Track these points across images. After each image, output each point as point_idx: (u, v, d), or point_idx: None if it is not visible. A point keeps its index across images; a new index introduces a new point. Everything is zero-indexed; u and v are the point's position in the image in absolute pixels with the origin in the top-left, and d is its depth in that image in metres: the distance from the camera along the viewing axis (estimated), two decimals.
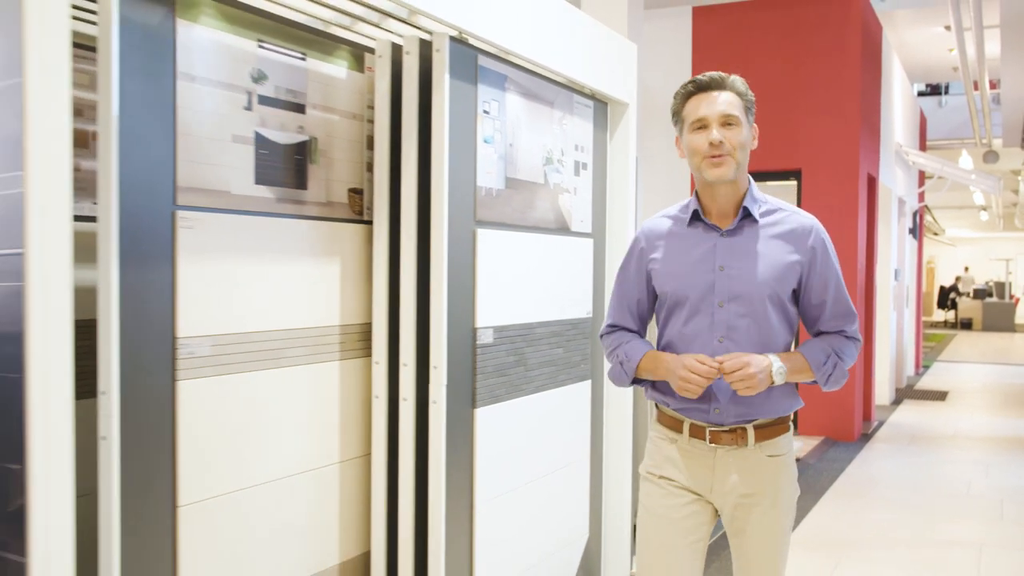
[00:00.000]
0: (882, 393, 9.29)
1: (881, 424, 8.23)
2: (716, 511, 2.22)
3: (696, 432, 2.18)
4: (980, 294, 24.35)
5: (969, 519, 5.08)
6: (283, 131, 2.35)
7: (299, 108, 2.41)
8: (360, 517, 2.65)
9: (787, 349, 2.19)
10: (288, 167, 2.37)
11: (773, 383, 2.09)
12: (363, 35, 2.67)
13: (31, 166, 1.38)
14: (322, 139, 2.48)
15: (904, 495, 5.62)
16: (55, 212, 1.42)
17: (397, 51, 2.60)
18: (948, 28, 9.34)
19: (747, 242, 2.17)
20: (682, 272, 2.19)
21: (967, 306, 23.80)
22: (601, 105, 3.47)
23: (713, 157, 2.11)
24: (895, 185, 9.84)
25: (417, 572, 2.59)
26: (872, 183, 8.29)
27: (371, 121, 2.65)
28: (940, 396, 10.14)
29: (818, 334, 2.24)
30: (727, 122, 2.12)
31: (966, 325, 23.28)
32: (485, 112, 2.70)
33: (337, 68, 2.55)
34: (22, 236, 1.39)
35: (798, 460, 6.51)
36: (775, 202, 2.24)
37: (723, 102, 2.12)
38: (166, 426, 2.02)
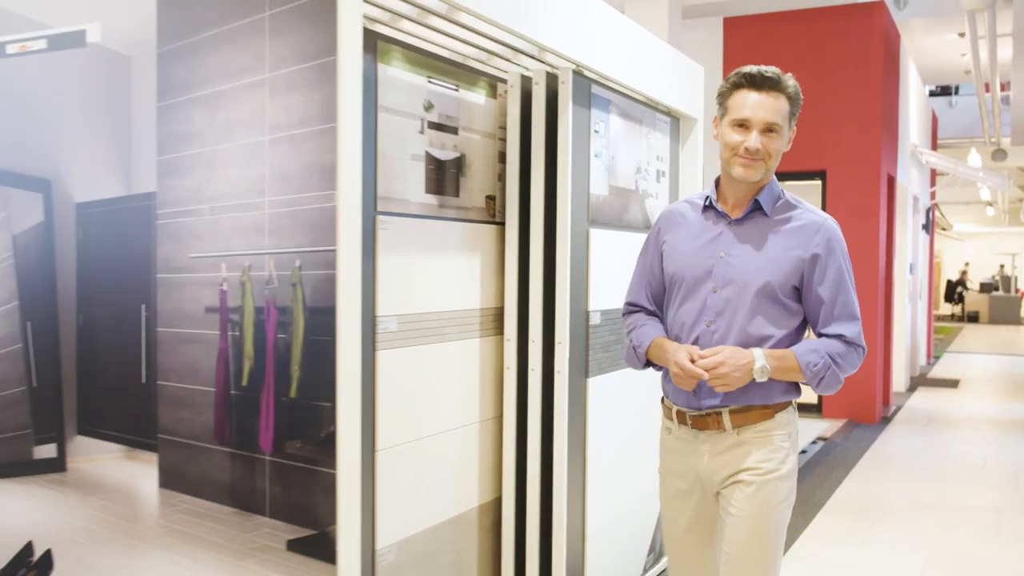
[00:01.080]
0: (898, 380, 9.83)
1: (899, 408, 8.77)
2: (713, 500, 2.25)
3: (681, 418, 2.23)
4: (986, 288, 24.84)
5: (986, 488, 5.62)
6: (443, 149, 2.89)
7: (454, 130, 2.94)
8: (493, 468, 3.18)
9: (784, 345, 2.17)
10: (447, 179, 2.91)
11: (754, 380, 2.10)
12: (496, 68, 3.20)
13: (341, 187, 1.92)
14: (468, 155, 3.02)
15: (925, 468, 6.16)
16: (352, 220, 1.96)
17: (524, 81, 3.13)
18: (962, 35, 9.85)
19: (753, 233, 2.16)
20: (686, 255, 2.21)
21: (974, 300, 24.29)
22: (675, 120, 4.00)
23: (746, 158, 2.09)
24: (910, 183, 10.36)
25: (542, 514, 3.13)
26: (891, 182, 8.81)
27: (502, 139, 3.18)
28: (952, 384, 10.68)
29: (819, 335, 2.21)
30: (769, 129, 2.09)
31: (973, 318, 23.78)
32: (596, 131, 3.23)
33: (478, 96, 3.08)
34: (335, 237, 1.93)
35: (824, 441, 7.05)
36: (794, 200, 2.23)
37: (770, 108, 2.08)
38: (369, 388, 2.56)
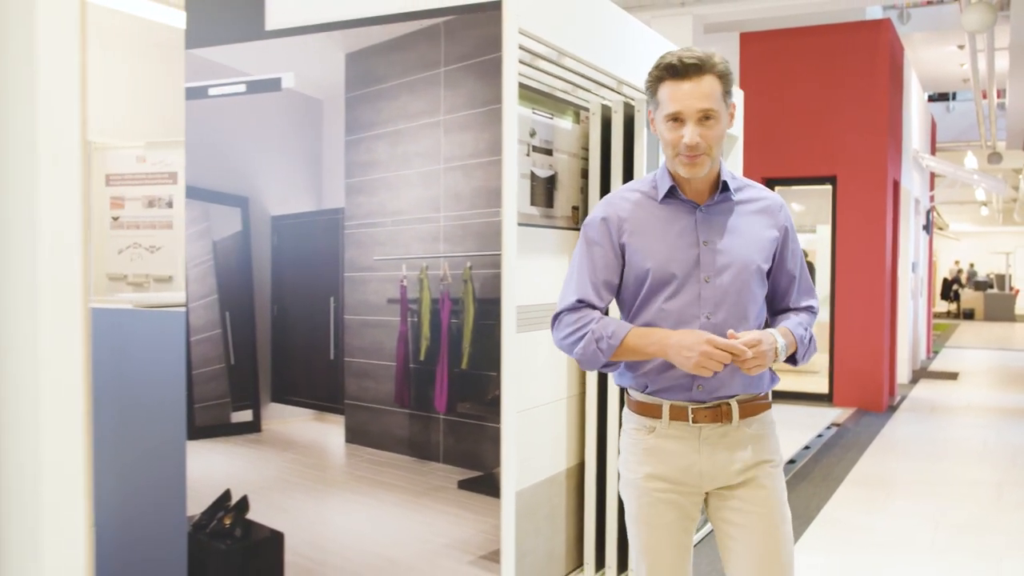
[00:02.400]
0: (902, 372, 10.42)
1: (903, 398, 9.37)
2: (701, 502, 2.14)
3: (677, 414, 2.06)
4: (981, 286, 25.50)
5: (987, 466, 6.21)
6: (542, 169, 3.46)
7: (549, 152, 3.51)
8: (578, 438, 3.75)
9: (763, 325, 2.16)
10: (544, 193, 3.48)
11: (777, 359, 2.05)
12: (579, 98, 3.76)
13: (505, 206, 2.49)
14: (559, 173, 3.59)
15: (931, 450, 6.75)
16: (511, 231, 2.53)
17: (604, 109, 3.70)
18: (961, 47, 10.46)
19: (726, 217, 2.08)
20: (663, 248, 2.07)
21: (969, 297, 24.93)
22: None
23: (688, 156, 1.98)
24: (912, 187, 10.96)
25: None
26: (896, 187, 9.41)
27: (583, 158, 3.75)
28: (952, 376, 11.29)
29: (783, 311, 2.21)
30: (704, 117, 1.96)
31: (968, 315, 24.42)
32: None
33: (566, 122, 3.65)
34: (498, 244, 2.50)
35: (837, 427, 7.64)
36: (743, 180, 2.18)
37: (700, 95, 1.95)
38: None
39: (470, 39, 2.52)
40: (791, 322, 2.14)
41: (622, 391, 2.37)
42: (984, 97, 11.94)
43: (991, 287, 25.64)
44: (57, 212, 1.34)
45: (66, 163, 1.33)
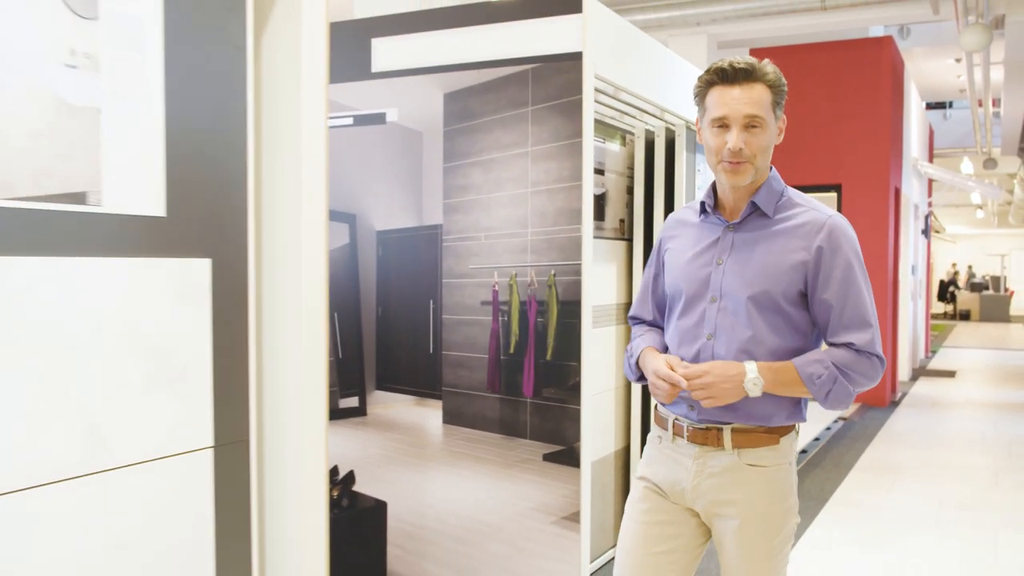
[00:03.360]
0: (903, 371, 10.93)
1: (904, 395, 9.87)
2: (694, 521, 2.08)
3: (678, 430, 2.05)
4: (977, 287, 26.04)
5: (985, 454, 6.71)
6: (596, 187, 3.95)
7: (601, 172, 4.00)
8: (623, 424, 4.24)
9: (789, 355, 1.99)
10: (597, 209, 3.97)
11: (746, 394, 1.93)
12: (624, 124, 4.25)
13: (584, 223, 2.98)
14: (609, 190, 4.08)
15: (932, 440, 7.25)
16: (589, 244, 3.02)
17: (648, 133, 4.19)
18: (958, 61, 10.97)
19: (752, 237, 2.00)
20: (683, 264, 2.07)
21: (965, 299, 25.47)
22: None
23: (730, 163, 1.93)
24: (912, 193, 11.46)
25: None
26: (897, 194, 9.91)
27: (629, 177, 4.24)
28: (950, 374, 11.81)
29: (829, 345, 2.01)
30: (751, 124, 1.91)
31: (964, 316, 24.95)
32: (698, 171, 4.30)
33: (614, 145, 4.14)
34: (578, 254, 2.98)
35: (844, 420, 8.14)
36: (798, 197, 2.05)
37: (748, 101, 1.90)
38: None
39: (554, 83, 3.01)
40: (806, 358, 1.97)
41: None
42: (980, 106, 12.47)
43: (986, 289, 26.18)
44: (313, 250, 1.82)
45: (318, 221, 1.82)
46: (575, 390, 3.02)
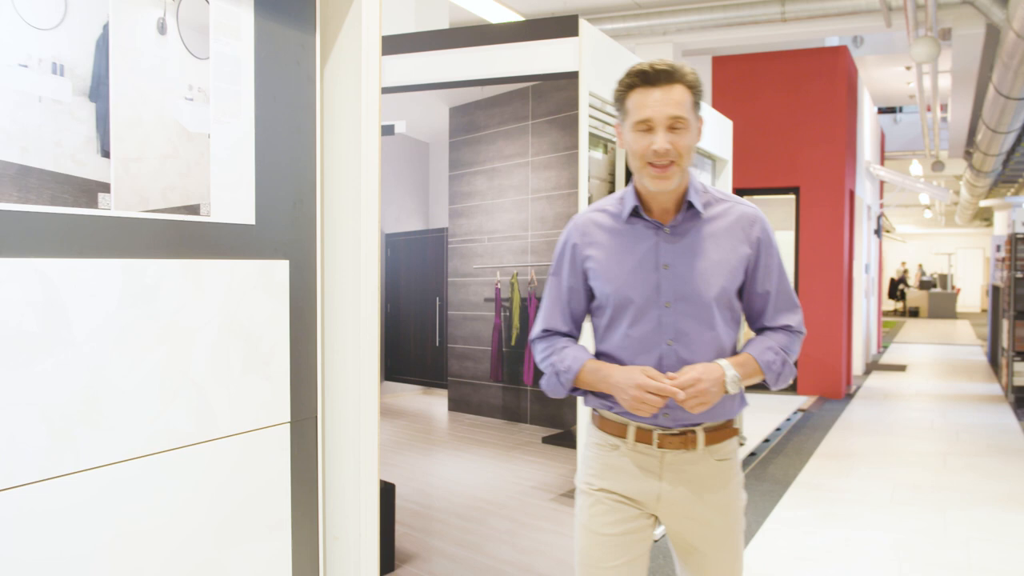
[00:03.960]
0: (857, 365, 11.42)
1: (859, 387, 10.35)
2: (655, 522, 2.07)
3: (643, 436, 1.99)
4: (925, 285, 26.88)
5: (934, 440, 7.16)
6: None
7: (587, 179, 4.30)
8: None
9: (734, 349, 2.05)
10: None
11: (727, 392, 1.95)
12: (607, 133, 4.56)
13: None
14: (593, 195, 4.38)
15: (885, 428, 7.69)
16: None
17: None
18: (908, 68, 11.48)
19: (691, 238, 1.99)
20: (623, 272, 2.00)
21: (915, 296, 26.29)
22: (713, 161, 5.42)
23: (656, 167, 1.90)
24: (865, 195, 11.97)
25: None
26: (851, 196, 10.38)
27: (611, 182, 4.56)
28: (901, 368, 12.35)
29: (761, 330, 2.08)
30: (674, 125, 1.90)
31: (914, 313, 25.76)
32: None
33: (597, 153, 4.45)
34: None
35: (803, 412, 8.56)
36: (716, 192, 2.07)
37: (670, 102, 1.89)
38: None
39: (553, 99, 3.31)
40: (758, 347, 2.03)
41: None
42: (928, 111, 13.02)
43: (935, 286, 27.04)
44: (368, 252, 2.10)
45: (372, 227, 2.10)
46: None
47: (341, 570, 2.07)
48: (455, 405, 3.52)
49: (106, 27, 1.52)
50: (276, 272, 1.89)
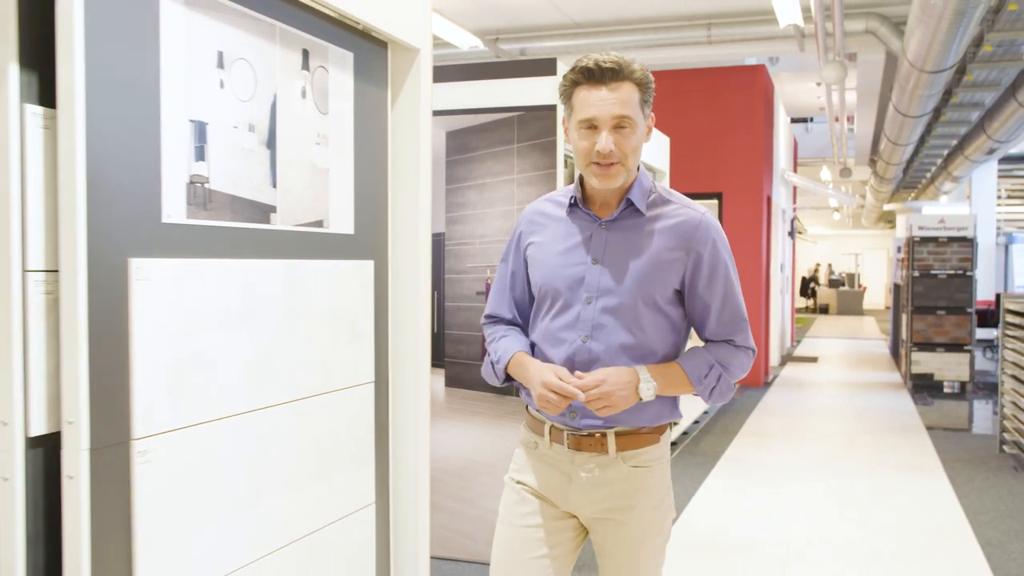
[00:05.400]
0: (773, 357, 12.40)
1: (776, 377, 11.32)
2: (575, 526, 2.02)
3: (556, 436, 1.96)
4: (835, 283, 28.43)
5: (842, 422, 8.09)
6: None
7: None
8: None
9: (672, 356, 1.97)
10: None
11: (640, 399, 1.88)
12: (567, 150, 5.25)
13: None
14: None
15: (800, 412, 8.60)
16: None
17: None
18: (819, 84, 12.51)
19: (627, 235, 1.92)
20: (553, 261, 1.96)
21: (825, 294, 27.79)
22: (652, 173, 6.16)
23: (600, 166, 1.85)
24: (780, 200, 12.98)
25: None
26: (768, 201, 11.34)
27: None
28: (813, 359, 13.43)
29: (706, 341, 2.00)
30: (620, 125, 1.84)
31: (824, 310, 27.24)
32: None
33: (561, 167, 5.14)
34: None
35: None
36: (668, 194, 1.99)
37: (616, 101, 1.82)
38: None
39: (534, 127, 3.99)
40: (692, 358, 1.95)
41: None
42: (837, 121, 14.14)
43: (843, 285, 28.62)
44: (423, 256, 2.75)
45: (426, 237, 2.75)
46: None
47: (404, 485, 2.72)
48: (451, 382, 4.17)
49: (275, 96, 2.14)
50: (365, 270, 2.52)
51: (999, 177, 16.73)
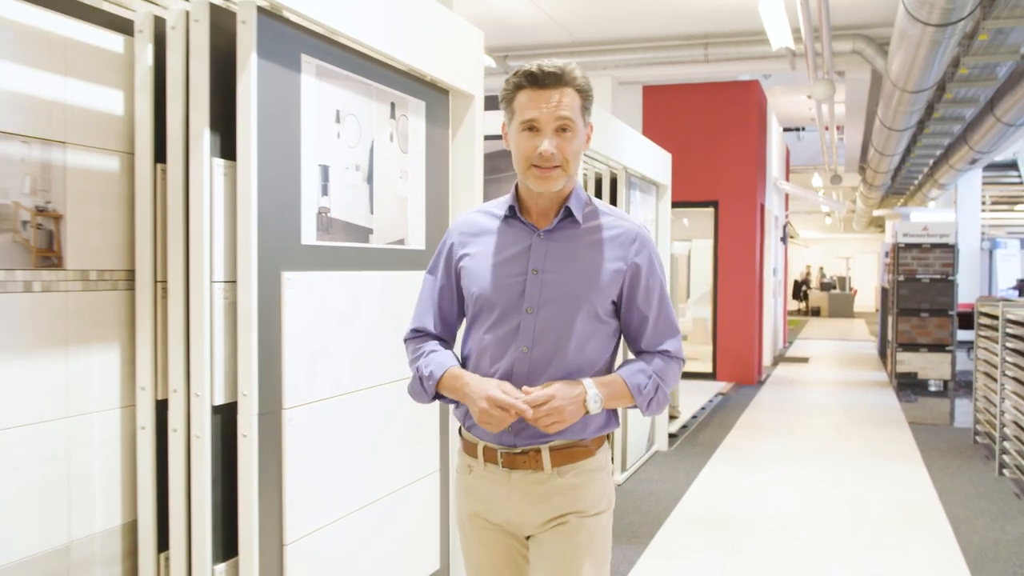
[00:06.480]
0: (766, 357, 12.98)
1: (769, 376, 11.91)
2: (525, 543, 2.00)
3: (490, 456, 1.94)
4: (826, 287, 29.03)
5: (831, 416, 8.67)
6: None
7: None
8: None
9: (607, 369, 1.96)
10: None
11: (588, 413, 1.85)
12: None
13: None
14: None
15: (792, 407, 9.18)
16: None
17: (596, 175, 5.76)
18: (810, 97, 13.10)
19: (566, 245, 1.91)
20: (491, 273, 1.92)
21: (816, 297, 28.39)
22: (655, 187, 6.72)
23: (541, 168, 1.84)
24: (773, 207, 13.57)
25: None
26: (762, 209, 11.92)
27: None
28: (804, 360, 14.02)
29: (639, 353, 1.99)
30: (562, 127, 1.83)
31: (815, 312, 27.83)
32: (632, 202, 5.90)
33: None
34: None
35: (722, 395, 10.00)
36: (603, 206, 1.99)
37: (560, 104, 1.82)
38: None
39: None
40: (630, 369, 1.93)
41: None
42: (827, 130, 14.73)
43: (834, 288, 29.22)
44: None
45: None
46: None
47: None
48: None
49: (373, 142, 2.70)
50: None
51: (984, 184, 17.31)
